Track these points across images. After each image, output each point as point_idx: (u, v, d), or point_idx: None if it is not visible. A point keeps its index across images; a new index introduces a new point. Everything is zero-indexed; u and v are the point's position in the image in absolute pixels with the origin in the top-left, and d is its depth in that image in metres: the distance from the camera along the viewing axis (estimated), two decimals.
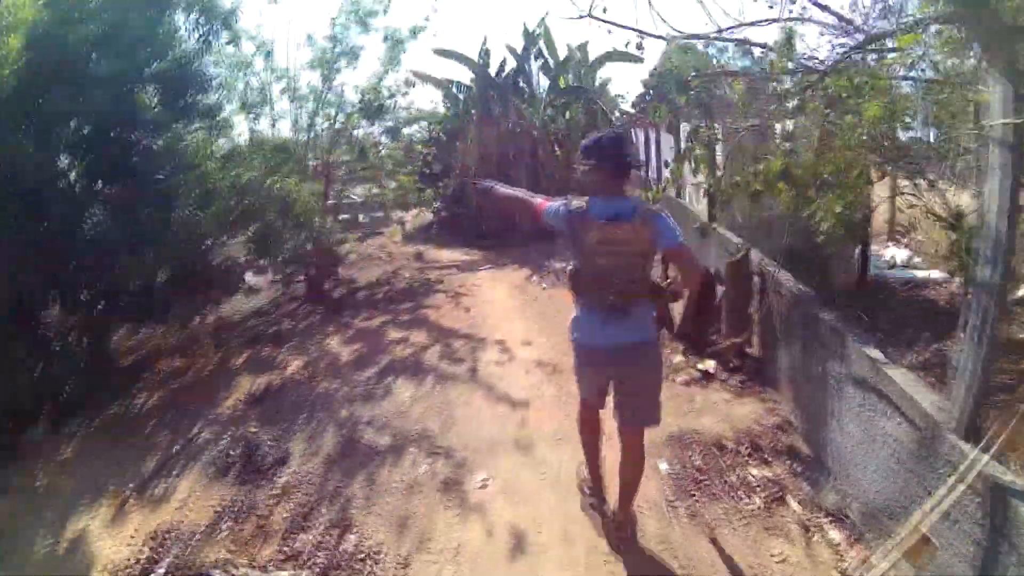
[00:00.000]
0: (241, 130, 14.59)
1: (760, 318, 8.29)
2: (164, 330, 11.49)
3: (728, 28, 9.12)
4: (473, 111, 21.64)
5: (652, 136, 20.50)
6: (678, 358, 9.22)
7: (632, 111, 24.13)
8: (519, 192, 5.38)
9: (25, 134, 9.40)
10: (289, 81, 15.11)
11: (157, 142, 10.61)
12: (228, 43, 14.16)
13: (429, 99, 19.59)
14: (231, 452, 7.62)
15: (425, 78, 22.52)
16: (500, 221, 20.30)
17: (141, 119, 10.20)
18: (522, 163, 20.42)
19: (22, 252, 8.60)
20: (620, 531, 5.30)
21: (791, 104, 6.19)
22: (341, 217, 17.54)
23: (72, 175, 10.45)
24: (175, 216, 10.02)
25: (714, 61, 11.30)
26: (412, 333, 11.79)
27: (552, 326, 10.87)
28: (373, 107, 15.47)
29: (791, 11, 6.29)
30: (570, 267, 5.05)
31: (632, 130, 26.50)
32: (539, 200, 5.06)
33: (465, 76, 23.19)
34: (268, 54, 14.74)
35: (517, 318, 12.16)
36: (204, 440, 7.91)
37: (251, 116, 14.69)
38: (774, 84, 7.29)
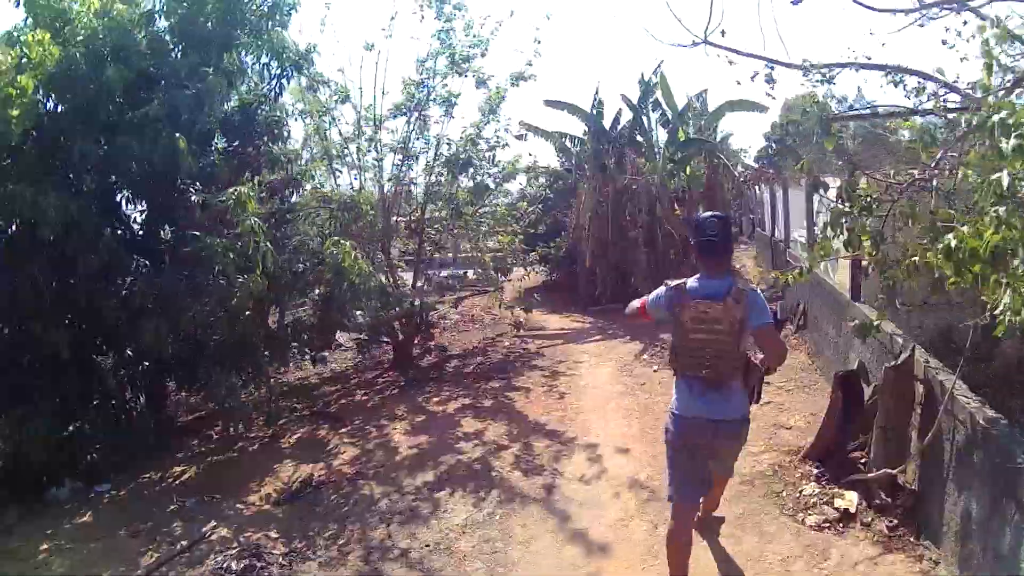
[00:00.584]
0: (321, 182, 12.99)
1: (924, 442, 5.90)
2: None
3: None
4: (586, 166, 19.58)
5: (779, 194, 18.22)
6: (809, 487, 6.94)
7: (755, 165, 21.61)
8: (633, 304, 5.52)
9: (52, 183, 8.56)
10: (374, 130, 13.20)
11: (194, 197, 9.74)
12: (308, 88, 12.58)
13: (531, 153, 17.37)
14: (232, 568, 6.33)
15: (535, 130, 20.81)
16: (615, 286, 18.49)
17: (187, 169, 9.30)
18: (639, 222, 18.41)
19: (46, 307, 8.57)
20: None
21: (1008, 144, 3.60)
22: (441, 276, 15.49)
23: (107, 231, 9.46)
24: (206, 281, 9.14)
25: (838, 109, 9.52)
26: (490, 425, 9.98)
27: (657, 425, 8.68)
28: (466, 159, 13.37)
29: None
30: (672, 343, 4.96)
31: (755, 187, 24.04)
32: (641, 300, 5.31)
33: (577, 128, 21.67)
34: (346, 98, 12.95)
35: (617, 411, 10.13)
36: (214, 542, 7.03)
37: (329, 168, 12.95)
38: (967, 118, 4.92)
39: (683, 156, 19.64)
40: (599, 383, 11.69)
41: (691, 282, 4.83)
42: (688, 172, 19.65)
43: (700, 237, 4.82)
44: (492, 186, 15.28)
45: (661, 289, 5.01)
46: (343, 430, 10.16)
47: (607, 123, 20.49)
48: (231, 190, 8.72)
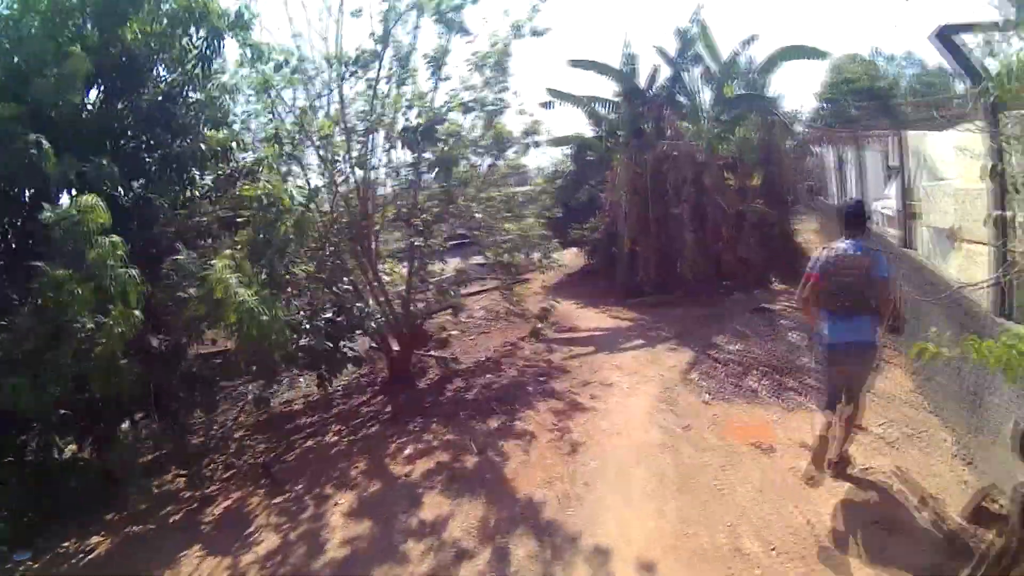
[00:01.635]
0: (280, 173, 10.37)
1: None
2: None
3: None
4: (620, 132, 16.18)
5: (848, 155, 15.74)
6: None
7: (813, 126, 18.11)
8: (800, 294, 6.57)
9: None
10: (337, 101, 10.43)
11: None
12: (250, 60, 9.94)
13: (537, 120, 13.25)
14: None
15: (562, 96, 17.47)
16: (659, 272, 15.47)
17: (56, 177, 7.47)
18: (684, 195, 15.15)
19: None
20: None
21: None
22: (444, 277, 12.25)
23: None
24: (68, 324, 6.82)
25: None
26: (461, 507, 7.00)
27: (704, 516, 6.02)
28: (427, 127, 10.39)
29: None
30: (804, 289, 6.42)
31: (814, 151, 20.36)
32: (807, 275, 6.47)
33: (610, 91, 18.15)
34: (295, 69, 10.27)
35: (648, 483, 6.98)
36: None
37: (280, 154, 10.21)
38: None
39: (732, 116, 16.35)
40: (629, 424, 8.54)
41: (838, 243, 6.33)
42: (739, 134, 16.30)
43: (847, 214, 6.50)
44: (473, 160, 11.87)
45: (820, 254, 6.42)
46: (278, 500, 7.88)
47: (642, 82, 17.36)
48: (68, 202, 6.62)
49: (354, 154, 10.45)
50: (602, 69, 16.96)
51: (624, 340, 12.61)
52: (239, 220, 8.44)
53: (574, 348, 12.42)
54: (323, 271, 10.25)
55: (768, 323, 12.05)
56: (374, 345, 11.92)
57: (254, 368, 8.85)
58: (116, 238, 6.47)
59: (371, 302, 10.95)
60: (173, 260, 7.21)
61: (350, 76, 10.33)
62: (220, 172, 9.65)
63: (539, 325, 12.58)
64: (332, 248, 10.60)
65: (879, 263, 6.04)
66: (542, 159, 20.02)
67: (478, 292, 16.37)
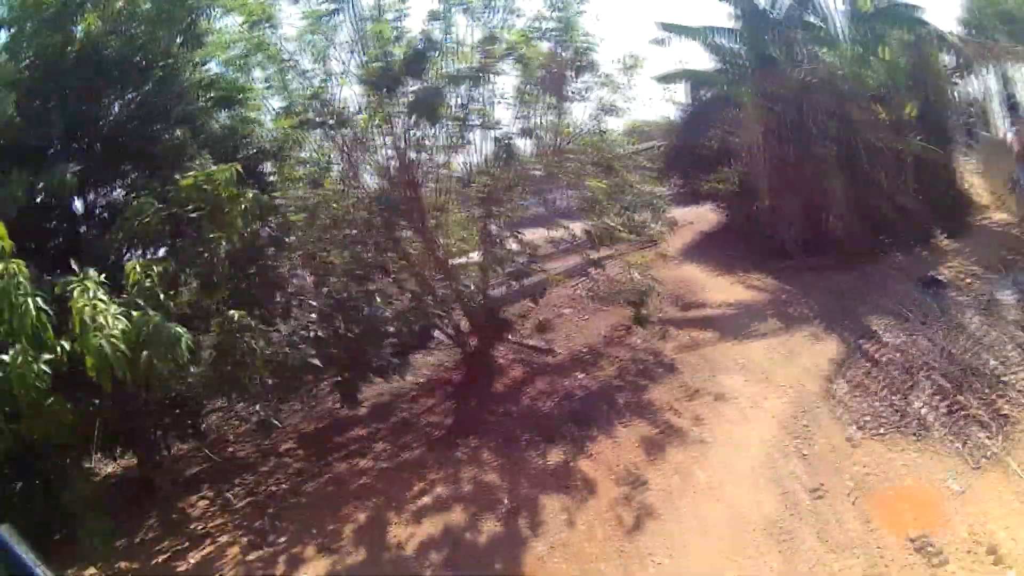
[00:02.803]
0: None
1: None
2: None
3: None
4: (745, 63, 13.10)
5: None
6: None
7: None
8: None
9: None
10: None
11: None
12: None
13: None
14: None
15: (676, 29, 14.67)
16: (807, 228, 12.65)
17: None
18: (829, 133, 12.26)
19: None
20: None
21: None
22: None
23: None
24: None
25: None
26: None
27: None
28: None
29: None
30: None
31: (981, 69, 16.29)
32: None
33: (728, 20, 14.95)
34: None
35: None
36: None
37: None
38: None
39: (873, 34, 12.97)
40: (735, 476, 6.16)
41: None
42: (884, 56, 12.87)
43: None
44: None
45: None
46: (253, 556, 6.52)
47: (766, 3, 13.87)
48: None
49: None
50: None
51: (757, 321, 10.14)
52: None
53: (694, 332, 10.13)
54: (359, 264, 8.98)
55: (939, 300, 8.99)
56: (450, 336, 10.27)
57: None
58: (17, 262, 5.22)
59: (431, 292, 9.53)
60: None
61: None
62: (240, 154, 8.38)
63: (641, 311, 10.07)
64: (373, 233, 9.16)
65: None
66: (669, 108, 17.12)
67: (595, 261, 13.98)
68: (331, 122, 8.81)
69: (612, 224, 9.99)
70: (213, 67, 9.12)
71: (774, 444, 6.38)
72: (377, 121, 8.95)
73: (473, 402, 9.21)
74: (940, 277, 9.66)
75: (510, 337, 10.59)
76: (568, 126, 10.05)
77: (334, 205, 9.23)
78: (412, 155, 9.46)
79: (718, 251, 14.51)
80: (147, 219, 6.99)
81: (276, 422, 8.65)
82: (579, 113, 10.45)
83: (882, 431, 6.28)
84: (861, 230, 12.06)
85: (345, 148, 9.43)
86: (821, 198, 12.33)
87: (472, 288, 9.65)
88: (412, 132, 9.46)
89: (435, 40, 8.50)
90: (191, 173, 6.85)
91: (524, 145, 9.90)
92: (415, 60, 8.12)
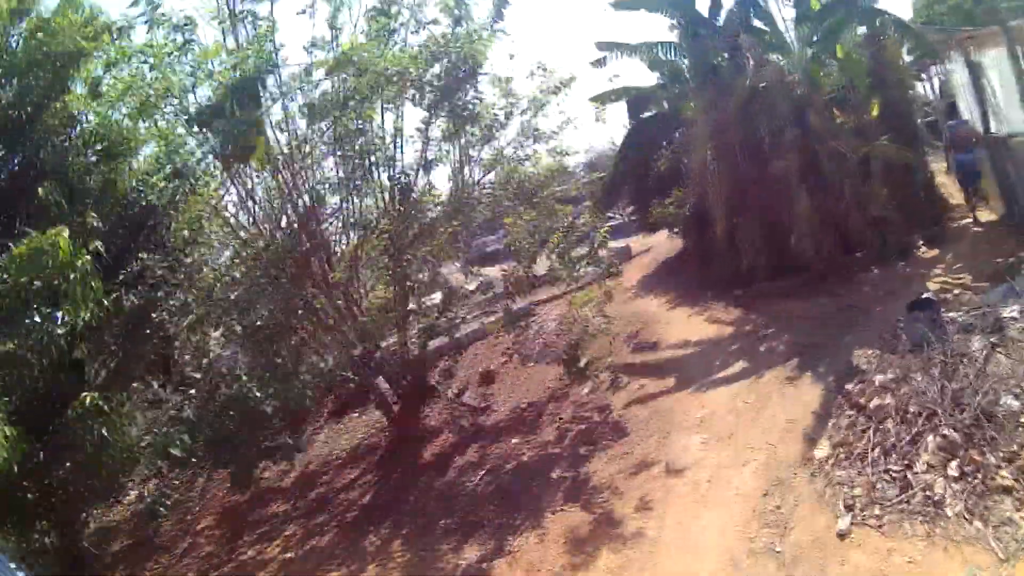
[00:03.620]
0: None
1: None
2: None
3: None
4: (688, 76, 11.97)
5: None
6: None
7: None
8: None
9: None
10: None
11: None
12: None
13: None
14: None
15: (615, 47, 13.61)
16: (767, 251, 11.13)
17: None
18: (786, 144, 10.81)
19: None
20: None
21: None
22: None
23: None
24: None
25: None
26: None
27: None
28: None
29: None
30: None
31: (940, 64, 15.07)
32: None
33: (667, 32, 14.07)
34: None
35: None
36: None
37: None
38: None
39: (826, 31, 11.70)
40: None
41: None
42: (841, 54, 11.73)
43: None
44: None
45: None
46: None
47: (704, 10, 13.08)
48: None
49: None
50: (651, 5, 12.77)
51: (720, 362, 8.79)
52: None
53: (648, 380, 8.75)
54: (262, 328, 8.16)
55: (933, 324, 7.42)
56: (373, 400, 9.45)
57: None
58: None
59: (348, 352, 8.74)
60: None
61: None
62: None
63: (576, 366, 8.71)
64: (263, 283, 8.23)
65: None
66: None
67: (548, 300, 12.54)
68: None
69: (554, 263, 8.74)
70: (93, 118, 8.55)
71: (739, 537, 4.91)
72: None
73: (396, 474, 8.50)
74: (929, 295, 8.11)
75: (440, 397, 9.36)
76: (483, 159, 9.15)
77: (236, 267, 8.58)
78: (304, 200, 8.37)
79: (677, 280, 13.17)
80: None
81: (163, 509, 8.12)
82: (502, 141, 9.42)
83: (878, 513, 4.79)
84: (831, 247, 10.65)
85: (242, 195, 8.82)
86: (783, 215, 10.86)
87: (388, 349, 8.38)
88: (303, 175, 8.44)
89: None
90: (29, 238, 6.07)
91: (433, 182, 9.25)
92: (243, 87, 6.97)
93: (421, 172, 9.01)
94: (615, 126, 15.81)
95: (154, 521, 8.34)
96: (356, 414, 10.05)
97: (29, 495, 6.98)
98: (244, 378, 7.55)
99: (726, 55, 12.09)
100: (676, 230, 14.46)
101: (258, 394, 7.37)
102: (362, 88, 8.09)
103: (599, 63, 13.76)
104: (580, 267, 8.94)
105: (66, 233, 6.01)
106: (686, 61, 12.90)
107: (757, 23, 12.92)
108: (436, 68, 8.29)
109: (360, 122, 8.58)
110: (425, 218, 8.56)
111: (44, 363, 6.47)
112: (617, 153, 14.77)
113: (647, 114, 14.45)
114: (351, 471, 8.90)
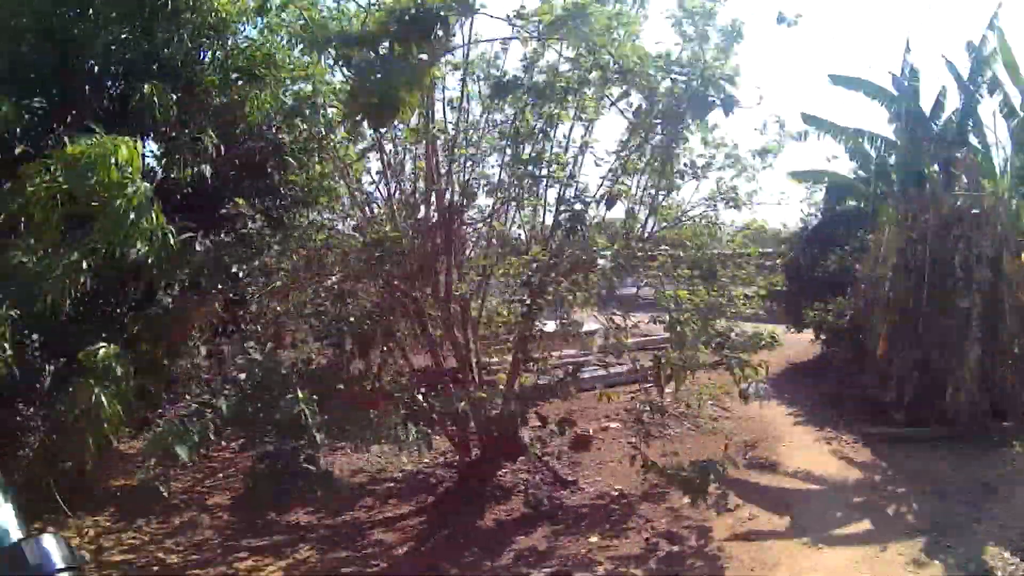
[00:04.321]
0: None
1: None
2: None
3: None
4: (893, 176, 10.87)
5: None
6: None
7: None
8: None
9: None
10: None
11: None
12: None
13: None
14: None
15: (818, 123, 12.42)
16: (921, 388, 9.89)
17: None
18: (976, 281, 9.58)
19: None
20: None
21: None
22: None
23: None
24: None
25: None
26: None
27: None
28: None
29: None
30: None
31: None
32: None
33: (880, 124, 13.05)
34: None
35: None
36: None
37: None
38: None
39: None
40: None
41: None
42: None
43: None
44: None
45: None
46: None
47: (926, 106, 12.26)
48: None
49: None
50: (870, 90, 11.80)
51: (842, 514, 7.51)
52: None
53: (759, 512, 7.50)
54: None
55: None
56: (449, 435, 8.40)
57: None
58: None
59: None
60: None
61: None
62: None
63: (694, 488, 7.31)
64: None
65: None
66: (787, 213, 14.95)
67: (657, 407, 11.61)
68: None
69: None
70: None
71: None
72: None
73: (446, 531, 7.27)
74: None
75: (527, 455, 8.41)
76: (671, 207, 8.21)
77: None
78: (453, 196, 7.79)
79: (808, 391, 12.14)
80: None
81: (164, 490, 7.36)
82: (686, 193, 8.54)
83: None
84: (985, 408, 9.48)
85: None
86: (947, 360, 9.62)
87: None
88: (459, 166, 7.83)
89: None
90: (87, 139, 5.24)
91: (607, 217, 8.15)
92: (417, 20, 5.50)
93: (599, 205, 7.78)
94: (794, 207, 14.80)
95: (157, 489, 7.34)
96: (428, 429, 9.02)
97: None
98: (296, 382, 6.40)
99: (937, 166, 10.92)
100: (822, 336, 13.40)
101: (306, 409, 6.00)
102: (572, 77, 7.11)
103: (801, 136, 12.82)
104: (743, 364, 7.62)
105: (130, 143, 5.40)
106: (892, 159, 11.85)
107: (973, 139, 11.81)
108: (667, 82, 6.88)
109: (540, 122, 7.65)
110: (588, 260, 7.28)
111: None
112: (796, 239, 13.69)
113: (838, 206, 13.40)
114: (398, 505, 7.89)
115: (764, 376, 7.12)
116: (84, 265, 5.53)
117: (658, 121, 7.23)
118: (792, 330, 13.55)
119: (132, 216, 5.35)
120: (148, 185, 5.64)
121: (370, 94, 5.15)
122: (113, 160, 5.23)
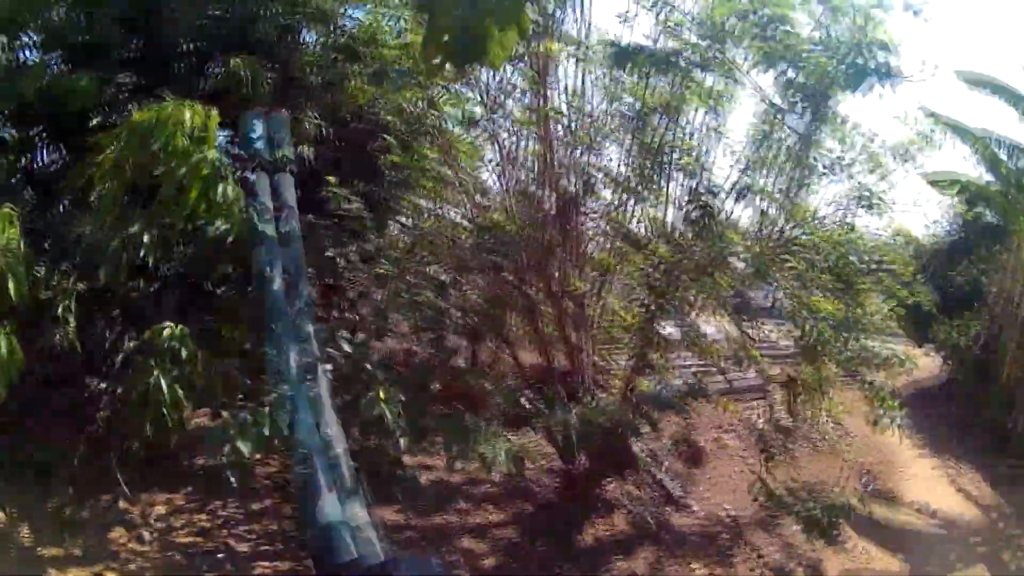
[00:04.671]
0: None
1: None
2: None
3: None
4: None
5: None
6: None
7: None
8: None
9: None
10: None
11: None
12: None
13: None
14: None
15: (948, 126, 11.56)
16: None
17: None
18: None
19: None
20: None
21: None
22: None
23: None
24: None
25: None
26: None
27: None
28: None
29: None
30: None
31: None
32: None
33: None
34: None
35: None
36: None
37: None
38: None
39: None
40: None
41: None
42: None
43: None
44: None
45: None
46: None
47: None
48: None
49: None
50: (1008, 96, 11.32)
51: (956, 556, 7.34)
52: None
53: (874, 549, 7.30)
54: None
55: None
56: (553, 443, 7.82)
57: None
58: None
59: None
60: None
61: None
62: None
63: (819, 528, 6.99)
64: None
65: None
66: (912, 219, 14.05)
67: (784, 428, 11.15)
68: None
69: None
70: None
71: None
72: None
73: (542, 546, 6.89)
74: None
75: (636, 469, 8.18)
76: (806, 209, 7.28)
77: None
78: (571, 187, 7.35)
79: (931, 416, 11.46)
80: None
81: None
82: (820, 196, 7.52)
83: None
84: None
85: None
86: None
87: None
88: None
89: None
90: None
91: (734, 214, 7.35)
92: None
93: (730, 198, 7.16)
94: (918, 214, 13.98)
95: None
96: (531, 432, 7.90)
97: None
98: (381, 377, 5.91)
99: None
100: (946, 356, 12.76)
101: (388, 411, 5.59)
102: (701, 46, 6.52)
103: (926, 139, 12.11)
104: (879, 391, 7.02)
105: (199, 109, 5.17)
106: None
107: None
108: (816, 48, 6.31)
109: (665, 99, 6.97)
110: (719, 261, 6.75)
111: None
112: (928, 251, 12.95)
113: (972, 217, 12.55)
114: (493, 510, 7.32)
115: (900, 408, 6.33)
116: (146, 239, 5.30)
117: (796, 100, 6.59)
118: (918, 348, 12.94)
119: (198, 188, 5.14)
120: (218, 155, 5.45)
121: (448, 29, 4.89)
122: (179, 126, 5.04)
